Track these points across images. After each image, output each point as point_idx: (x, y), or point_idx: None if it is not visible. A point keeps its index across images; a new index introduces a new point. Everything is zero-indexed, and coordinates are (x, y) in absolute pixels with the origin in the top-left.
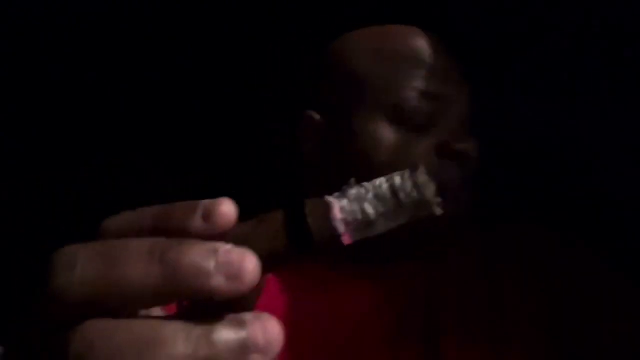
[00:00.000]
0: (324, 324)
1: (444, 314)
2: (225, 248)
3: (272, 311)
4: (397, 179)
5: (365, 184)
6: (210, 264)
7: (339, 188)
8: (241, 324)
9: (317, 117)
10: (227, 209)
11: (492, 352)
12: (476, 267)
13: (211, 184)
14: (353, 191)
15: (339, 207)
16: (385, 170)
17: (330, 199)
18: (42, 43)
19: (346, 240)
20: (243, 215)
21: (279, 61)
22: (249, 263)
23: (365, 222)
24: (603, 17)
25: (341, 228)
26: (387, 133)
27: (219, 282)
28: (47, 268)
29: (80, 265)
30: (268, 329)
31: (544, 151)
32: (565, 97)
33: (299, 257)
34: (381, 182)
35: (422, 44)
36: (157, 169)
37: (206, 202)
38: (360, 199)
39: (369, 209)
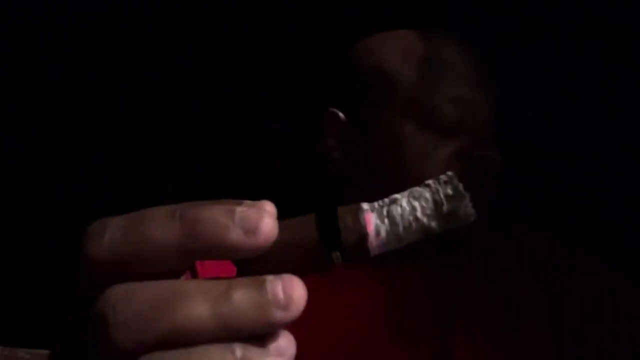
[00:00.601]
0: (337, 325)
1: (455, 314)
2: (242, 207)
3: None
4: (432, 192)
5: (401, 197)
6: (229, 219)
7: (363, 185)
8: (262, 281)
9: (341, 115)
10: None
11: (502, 352)
12: (487, 267)
13: (211, 184)
14: (389, 207)
15: (373, 220)
16: (408, 170)
17: (366, 208)
18: (42, 43)
19: (374, 251)
20: None
21: (279, 61)
22: (267, 218)
23: (396, 236)
24: (603, 17)
25: (372, 240)
26: (413, 134)
27: (237, 235)
28: (81, 238)
29: (109, 230)
30: (289, 286)
31: (544, 151)
32: (565, 96)
33: (326, 263)
34: (418, 194)
35: (452, 50)
36: (157, 169)
37: (245, 210)
38: (395, 215)
39: (402, 226)
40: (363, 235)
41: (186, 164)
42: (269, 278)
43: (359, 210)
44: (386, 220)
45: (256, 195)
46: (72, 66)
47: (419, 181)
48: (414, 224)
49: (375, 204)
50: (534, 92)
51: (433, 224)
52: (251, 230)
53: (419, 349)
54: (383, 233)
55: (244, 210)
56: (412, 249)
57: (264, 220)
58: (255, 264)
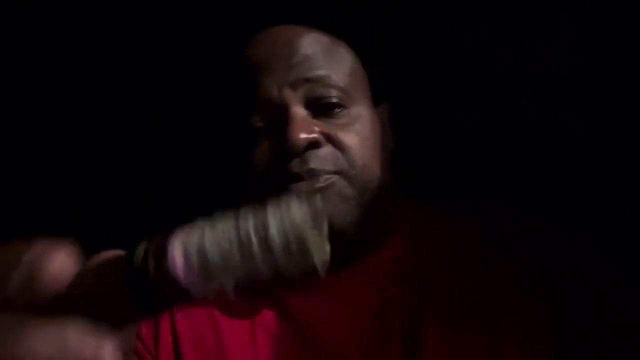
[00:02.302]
0: (305, 336)
1: (426, 308)
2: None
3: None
4: (273, 230)
5: (227, 221)
6: (13, 262)
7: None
8: None
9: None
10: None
11: (478, 346)
12: (462, 257)
13: (210, 184)
14: (210, 234)
15: (183, 255)
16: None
17: (175, 244)
18: (41, 42)
19: (197, 293)
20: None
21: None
22: (54, 259)
23: (219, 275)
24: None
25: (188, 280)
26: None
27: (16, 281)
28: None
29: None
30: None
31: (546, 148)
32: (567, 93)
33: (145, 306)
34: (249, 227)
35: (248, 51)
36: (156, 168)
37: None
38: (218, 245)
39: (224, 268)
40: (171, 268)
41: (185, 164)
42: None
43: (167, 242)
44: (196, 247)
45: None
46: (71, 66)
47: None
48: (236, 256)
49: (190, 233)
50: (532, 84)
51: (259, 256)
52: (33, 273)
53: (388, 350)
54: (197, 262)
55: (31, 251)
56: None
57: (50, 260)
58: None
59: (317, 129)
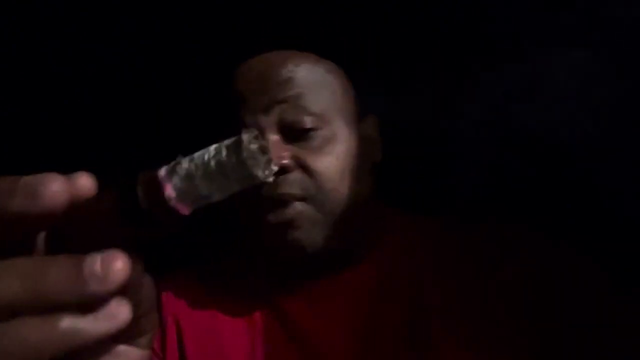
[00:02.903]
0: (300, 338)
1: (426, 315)
2: (26, 177)
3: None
4: (223, 154)
5: (195, 157)
6: (12, 188)
7: None
8: (79, 258)
9: None
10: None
11: (477, 351)
12: (452, 262)
13: None
14: (183, 166)
15: (170, 185)
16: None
17: (162, 174)
18: (41, 42)
19: (182, 210)
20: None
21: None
22: (51, 182)
23: (198, 196)
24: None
25: (174, 202)
26: None
27: (18, 201)
28: None
29: None
30: (108, 259)
31: (547, 149)
32: (567, 94)
33: (138, 231)
34: (209, 156)
35: (234, 80)
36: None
37: (28, 179)
38: (190, 176)
39: (201, 187)
40: (157, 185)
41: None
42: (90, 255)
43: (157, 179)
44: (177, 174)
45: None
46: (70, 65)
47: None
48: (211, 184)
49: (171, 168)
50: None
51: (230, 183)
52: (31, 194)
53: (381, 353)
54: (183, 195)
55: (28, 178)
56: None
57: (46, 183)
58: (68, 240)
59: (287, 154)
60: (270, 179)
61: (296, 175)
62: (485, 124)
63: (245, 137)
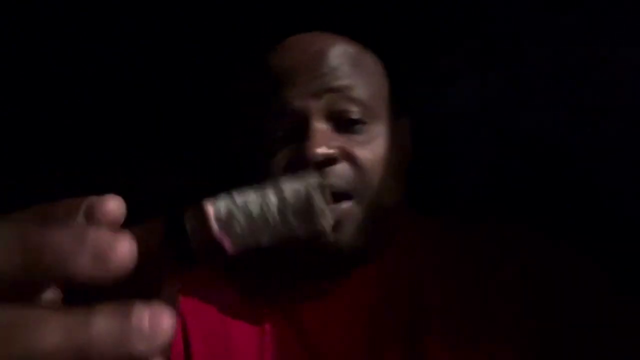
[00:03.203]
0: (308, 340)
1: (425, 315)
2: (96, 231)
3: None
4: (287, 197)
5: (252, 196)
6: (77, 245)
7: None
8: (127, 310)
9: None
10: (113, 205)
11: (476, 353)
12: (459, 266)
13: (208, 182)
14: (238, 203)
15: (217, 215)
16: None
17: (209, 206)
18: (41, 42)
19: (229, 249)
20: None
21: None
22: (122, 243)
23: (250, 239)
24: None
25: (221, 237)
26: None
27: (85, 263)
28: None
29: None
30: (155, 316)
31: (547, 149)
32: (567, 93)
33: (185, 264)
34: (268, 196)
35: (274, 58)
36: (156, 168)
37: (91, 198)
38: (245, 217)
39: (257, 231)
40: (209, 227)
41: (183, 163)
42: (136, 307)
43: (205, 211)
44: (230, 213)
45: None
46: (72, 65)
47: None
48: (261, 218)
49: (225, 199)
50: (533, 86)
51: (288, 226)
52: (101, 257)
53: (389, 356)
54: (232, 229)
55: (97, 234)
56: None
57: (118, 246)
58: None
59: (335, 144)
60: (330, 230)
61: (343, 167)
62: (485, 123)
63: (314, 181)
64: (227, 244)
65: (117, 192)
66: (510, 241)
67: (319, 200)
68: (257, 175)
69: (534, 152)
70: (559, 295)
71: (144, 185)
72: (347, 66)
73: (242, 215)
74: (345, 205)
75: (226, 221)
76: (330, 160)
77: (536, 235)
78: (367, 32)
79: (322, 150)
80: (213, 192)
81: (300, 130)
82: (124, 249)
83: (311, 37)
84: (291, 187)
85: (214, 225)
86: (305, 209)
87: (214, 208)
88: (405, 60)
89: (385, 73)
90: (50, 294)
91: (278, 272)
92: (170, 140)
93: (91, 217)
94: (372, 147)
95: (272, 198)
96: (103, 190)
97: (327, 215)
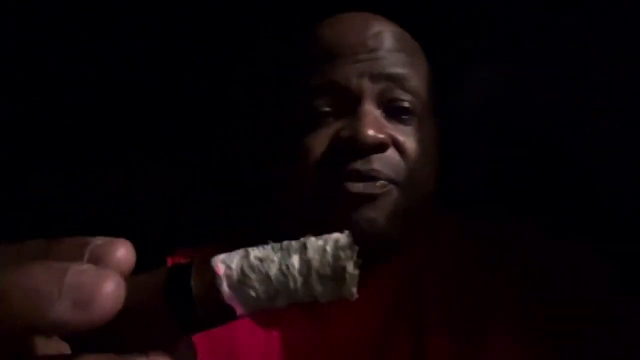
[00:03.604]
0: (317, 337)
1: (431, 313)
2: (77, 268)
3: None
4: (312, 258)
5: (269, 254)
6: (54, 287)
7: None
8: None
9: None
10: (124, 253)
11: (482, 350)
12: (468, 262)
13: (207, 183)
14: (253, 263)
15: (228, 276)
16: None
17: (220, 264)
18: (41, 42)
19: (240, 314)
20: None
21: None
22: (108, 285)
23: (262, 302)
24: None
25: (232, 301)
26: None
27: (64, 309)
28: None
29: None
30: None
31: (547, 148)
32: (567, 93)
33: (186, 327)
34: (289, 255)
35: (325, 31)
36: (156, 168)
37: (99, 241)
38: (260, 269)
39: (273, 293)
40: (215, 289)
41: (183, 163)
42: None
43: (214, 272)
44: (245, 271)
45: (251, 195)
46: (72, 65)
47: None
48: (279, 281)
49: (238, 259)
50: (535, 86)
51: (308, 290)
52: (84, 302)
53: (396, 351)
54: (243, 295)
55: (78, 273)
56: None
57: (103, 288)
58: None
59: (386, 130)
60: (355, 297)
61: (392, 155)
62: (485, 123)
63: (344, 242)
64: (239, 309)
65: (117, 192)
66: (510, 240)
67: (349, 265)
68: (280, 163)
69: (534, 152)
70: (564, 292)
71: (144, 185)
72: (405, 54)
73: (257, 276)
74: (389, 185)
75: (239, 283)
76: (381, 146)
77: (538, 234)
78: (405, 17)
79: (376, 134)
80: (213, 192)
81: (351, 111)
82: (110, 293)
83: (367, 16)
84: (316, 246)
85: (225, 289)
86: (333, 274)
87: (225, 267)
88: None
89: (429, 67)
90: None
91: None
92: (170, 140)
93: (97, 263)
94: (419, 139)
95: (294, 258)
96: (103, 190)
97: (356, 280)
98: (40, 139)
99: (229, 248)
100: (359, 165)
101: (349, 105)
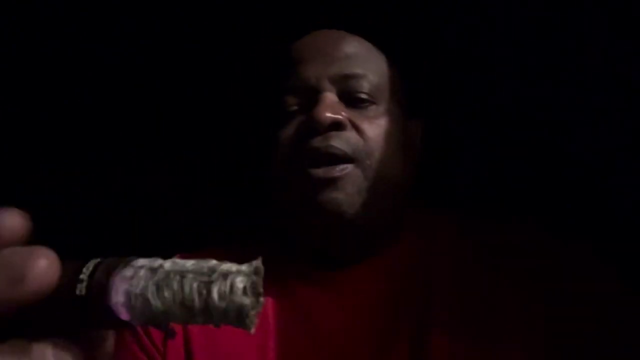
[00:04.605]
0: (314, 332)
1: (431, 313)
2: (10, 249)
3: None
4: (214, 282)
5: (172, 274)
6: None
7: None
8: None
9: None
10: (11, 221)
11: (483, 348)
12: (468, 261)
13: (206, 183)
14: (154, 274)
15: (120, 283)
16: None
17: (117, 272)
18: (41, 42)
19: (127, 319)
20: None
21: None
22: (40, 261)
23: (152, 313)
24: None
25: (119, 310)
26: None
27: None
28: None
29: None
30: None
31: (547, 148)
32: (567, 93)
33: (73, 317)
34: (192, 279)
35: (297, 42)
36: (156, 168)
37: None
38: (158, 288)
39: (170, 312)
40: (106, 288)
41: (183, 163)
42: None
43: (111, 281)
44: (144, 286)
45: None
46: (72, 65)
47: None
48: (173, 302)
49: (134, 278)
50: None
51: (205, 315)
52: (16, 278)
53: (395, 348)
54: (133, 306)
55: (10, 252)
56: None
57: (35, 264)
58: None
59: (344, 113)
60: (253, 331)
61: (350, 134)
62: (485, 123)
63: (253, 267)
64: (125, 316)
65: (117, 192)
66: (515, 238)
67: (244, 300)
68: (264, 154)
69: (534, 152)
70: (564, 291)
71: (144, 185)
72: (361, 57)
73: (154, 292)
74: (348, 166)
75: (134, 295)
76: (338, 125)
77: (542, 234)
78: (366, 32)
79: (330, 114)
80: (212, 192)
81: (313, 102)
82: (41, 265)
83: (333, 32)
84: (221, 272)
85: (115, 295)
86: (238, 299)
87: (120, 276)
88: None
89: (396, 71)
90: None
91: (284, 255)
92: (170, 140)
93: None
94: (378, 123)
95: (197, 281)
96: (103, 190)
97: (257, 305)
98: (40, 139)
99: (227, 251)
100: (317, 142)
101: (313, 102)
